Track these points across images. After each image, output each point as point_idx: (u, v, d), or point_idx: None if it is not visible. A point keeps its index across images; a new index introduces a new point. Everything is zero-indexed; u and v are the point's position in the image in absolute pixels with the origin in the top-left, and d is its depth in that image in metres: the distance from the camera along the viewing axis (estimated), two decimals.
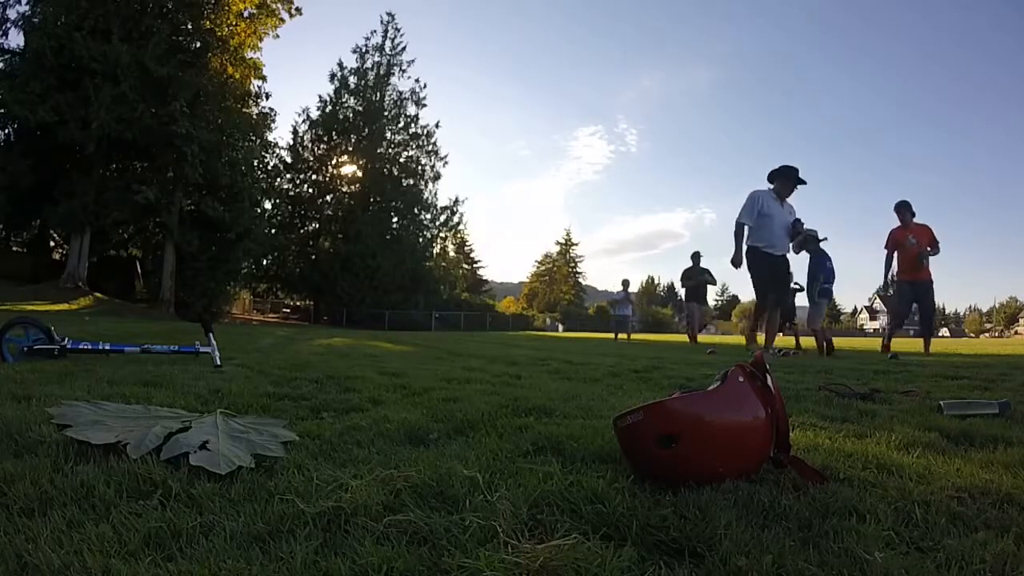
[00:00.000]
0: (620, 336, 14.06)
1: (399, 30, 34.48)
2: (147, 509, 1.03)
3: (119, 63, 19.71)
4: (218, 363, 3.59)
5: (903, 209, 7.52)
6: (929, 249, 7.47)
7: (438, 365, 4.50)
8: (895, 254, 7.63)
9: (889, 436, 1.74)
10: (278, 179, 32.68)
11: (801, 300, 8.00)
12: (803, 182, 6.35)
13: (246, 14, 24.46)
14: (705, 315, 11.97)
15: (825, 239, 7.56)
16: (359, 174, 33.44)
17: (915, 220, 7.52)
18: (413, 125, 34.61)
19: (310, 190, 33.99)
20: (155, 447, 1.34)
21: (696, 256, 11.35)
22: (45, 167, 20.27)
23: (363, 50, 33.97)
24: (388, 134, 34.06)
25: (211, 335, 3.81)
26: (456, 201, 36.57)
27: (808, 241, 7.53)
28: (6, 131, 21.54)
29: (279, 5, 25.02)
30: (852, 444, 1.64)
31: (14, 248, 25.67)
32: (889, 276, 7.70)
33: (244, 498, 1.11)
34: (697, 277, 11.25)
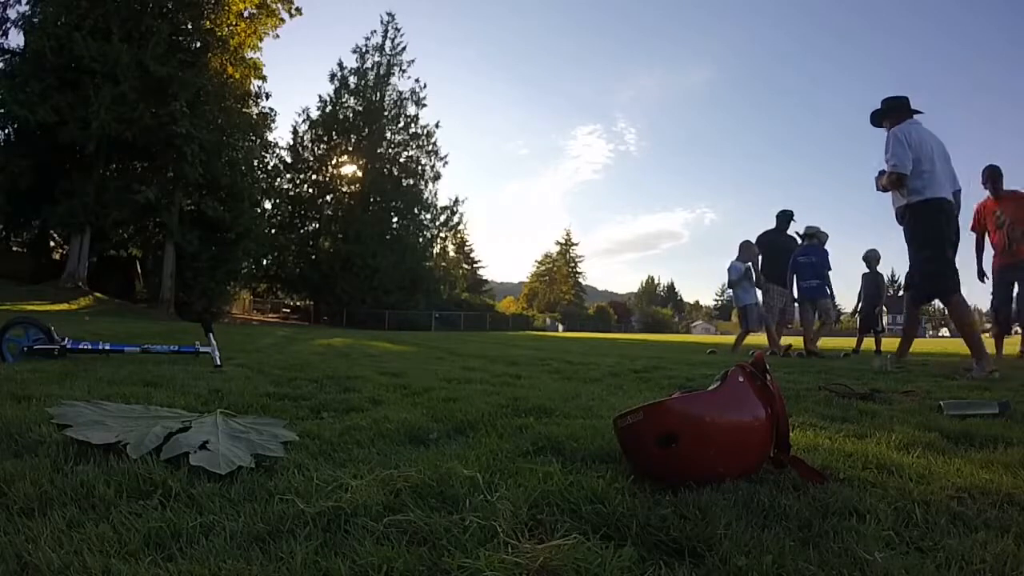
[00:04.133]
0: (748, 337, 7.85)
1: (399, 30, 34.61)
2: (147, 509, 1.03)
3: (119, 63, 19.73)
4: (218, 363, 3.59)
5: (992, 176, 5.75)
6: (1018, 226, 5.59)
7: (438, 365, 4.50)
8: (985, 235, 5.90)
9: (889, 436, 1.74)
10: (278, 179, 32.73)
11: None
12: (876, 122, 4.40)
13: (246, 14, 24.49)
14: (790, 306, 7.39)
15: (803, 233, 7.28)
16: (359, 174, 33.47)
17: (1007, 188, 5.73)
18: (413, 125, 34.70)
19: (310, 190, 34.03)
20: (155, 447, 1.34)
21: (786, 217, 7.55)
22: (45, 167, 20.30)
23: (363, 50, 34.06)
24: (388, 134, 34.11)
25: (211, 335, 3.81)
26: (456, 201, 36.69)
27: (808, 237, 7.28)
28: (6, 131, 21.57)
29: (279, 5, 25.08)
30: (852, 444, 1.64)
31: (14, 248, 25.67)
32: (981, 265, 5.94)
33: (244, 498, 1.11)
34: (786, 246, 7.39)
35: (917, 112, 4.21)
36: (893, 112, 4.20)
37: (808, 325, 7.28)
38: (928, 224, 4.04)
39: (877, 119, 4.33)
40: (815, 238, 7.24)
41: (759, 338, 7.79)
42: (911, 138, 3.98)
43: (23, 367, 3.09)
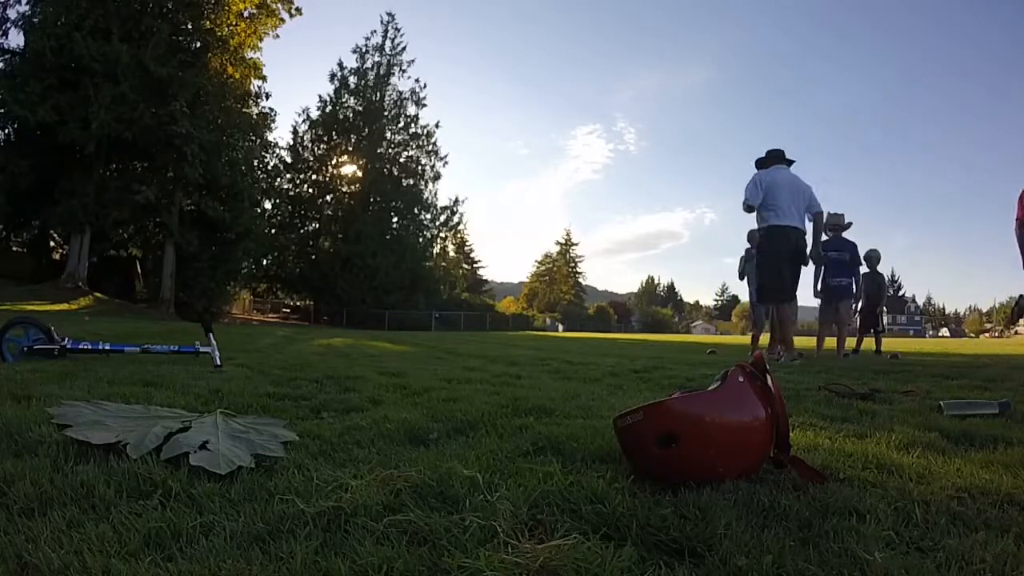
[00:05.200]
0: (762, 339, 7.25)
1: (399, 30, 34.55)
2: (147, 509, 1.03)
3: (119, 63, 19.72)
4: (218, 363, 3.59)
5: None
6: None
7: (438, 365, 4.50)
8: None
9: (889, 436, 1.74)
10: (278, 179, 32.71)
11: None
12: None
13: (246, 14, 24.49)
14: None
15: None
16: (359, 174, 33.45)
17: None
18: (413, 125, 34.66)
19: (310, 190, 34.01)
20: (155, 447, 1.34)
21: None
22: (45, 167, 20.29)
23: (363, 50, 34.02)
24: (388, 134, 34.08)
25: (211, 335, 3.81)
26: (456, 201, 36.67)
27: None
28: (6, 131, 21.57)
29: (279, 5, 25.06)
30: (852, 444, 1.64)
31: (14, 248, 25.65)
32: None
33: (244, 498, 1.11)
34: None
35: (791, 161, 5.41)
36: (768, 161, 5.42)
37: (825, 324, 6.92)
38: (768, 246, 5.27)
39: (758, 165, 5.47)
40: (840, 228, 6.77)
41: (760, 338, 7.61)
42: (764, 180, 5.19)
43: (23, 367, 3.09)
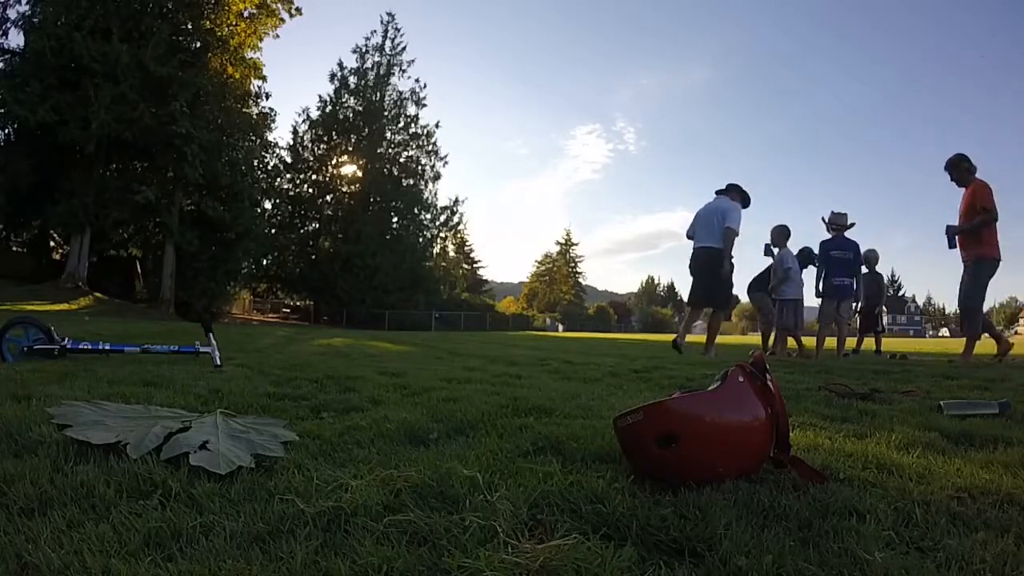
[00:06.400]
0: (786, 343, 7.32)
1: (399, 30, 34.59)
2: (147, 509, 1.03)
3: (119, 63, 19.74)
4: (218, 363, 3.58)
5: (949, 170, 5.57)
6: (961, 222, 5.42)
7: (438, 365, 4.50)
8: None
9: (889, 436, 1.74)
10: (278, 179, 32.71)
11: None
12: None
13: (246, 14, 24.50)
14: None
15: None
16: (359, 174, 33.46)
17: (975, 178, 5.44)
18: (413, 125, 34.68)
19: (310, 190, 34.01)
20: (155, 447, 1.34)
21: (807, 256, 7.23)
22: (45, 167, 20.30)
23: (363, 50, 34.05)
24: (388, 134, 34.09)
25: (211, 335, 3.80)
26: (456, 201, 36.68)
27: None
28: (6, 131, 21.59)
29: (279, 5, 25.09)
30: (852, 444, 1.64)
31: (14, 248, 25.66)
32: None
33: (244, 498, 1.11)
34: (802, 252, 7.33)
35: (744, 192, 6.46)
36: (721, 192, 6.51)
37: (826, 324, 6.84)
38: (690, 264, 6.52)
39: (716, 194, 6.52)
40: (842, 228, 6.73)
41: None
42: (697, 212, 6.46)
43: (23, 367, 3.09)
